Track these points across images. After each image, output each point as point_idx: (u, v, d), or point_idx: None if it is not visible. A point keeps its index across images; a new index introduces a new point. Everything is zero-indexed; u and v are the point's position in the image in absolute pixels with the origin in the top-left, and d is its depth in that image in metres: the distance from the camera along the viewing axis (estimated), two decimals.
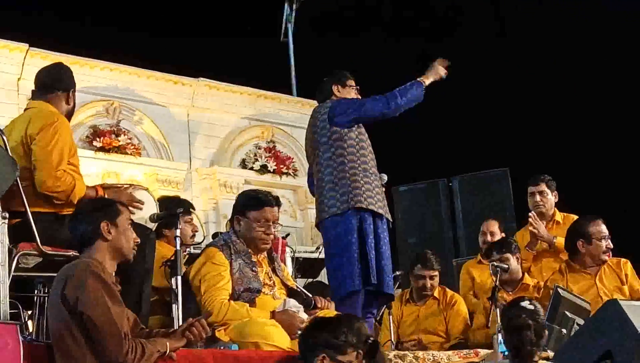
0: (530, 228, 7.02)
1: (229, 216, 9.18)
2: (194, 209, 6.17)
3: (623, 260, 6.55)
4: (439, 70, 6.12)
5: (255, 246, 5.07)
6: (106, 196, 4.76)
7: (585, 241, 6.42)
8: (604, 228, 6.47)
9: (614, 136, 18.52)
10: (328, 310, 5.09)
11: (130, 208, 4.70)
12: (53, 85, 4.94)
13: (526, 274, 6.74)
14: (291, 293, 5.11)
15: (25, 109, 5.05)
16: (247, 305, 4.74)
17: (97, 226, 4.01)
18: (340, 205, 5.84)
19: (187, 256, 5.89)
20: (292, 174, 16.52)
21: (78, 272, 3.83)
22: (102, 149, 14.35)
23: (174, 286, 4.76)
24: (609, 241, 6.46)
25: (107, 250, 4.02)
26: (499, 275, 6.20)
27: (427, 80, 6.05)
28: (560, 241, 6.89)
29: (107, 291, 3.80)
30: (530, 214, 7.10)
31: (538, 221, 7.01)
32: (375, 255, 5.77)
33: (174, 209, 5.02)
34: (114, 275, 4.05)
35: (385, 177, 6.33)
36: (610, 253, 6.52)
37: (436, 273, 7.15)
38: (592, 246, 6.40)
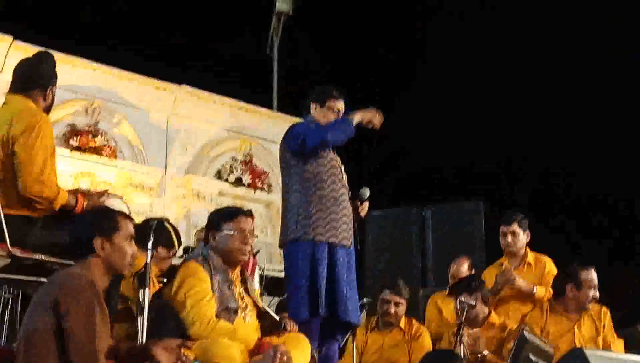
0: (503, 279, 6.95)
1: (199, 227, 9.17)
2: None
3: (604, 308, 6.53)
4: (372, 113, 6.05)
5: (233, 258, 5.02)
6: (86, 206, 4.71)
7: (575, 287, 6.41)
8: (595, 277, 6.45)
9: (590, 174, 18.65)
10: (297, 333, 5.06)
11: None
12: (32, 81, 4.85)
13: (493, 312, 6.70)
14: (260, 315, 5.09)
15: (3, 103, 4.98)
16: (234, 327, 4.69)
17: (91, 241, 3.97)
18: (289, 234, 5.84)
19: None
20: (266, 189, 16.49)
21: (77, 285, 3.77)
22: (77, 148, 14.24)
23: (141, 299, 4.72)
24: (597, 291, 6.43)
25: (100, 264, 3.98)
26: (465, 312, 6.20)
27: (355, 118, 5.97)
28: (540, 292, 6.83)
29: (100, 311, 3.76)
30: (507, 270, 7.01)
31: (514, 275, 6.94)
32: (328, 282, 5.72)
33: (147, 222, 4.99)
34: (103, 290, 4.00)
35: (367, 192, 6.24)
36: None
37: (402, 301, 7.13)
38: (580, 293, 6.39)
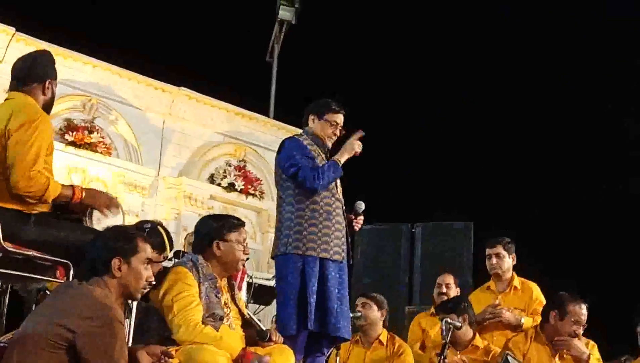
0: (491, 314, 6.96)
1: (190, 230, 9.18)
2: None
3: (591, 342, 6.47)
4: (354, 146, 6.07)
5: (233, 268, 5.11)
6: (85, 197, 4.72)
7: (559, 315, 6.32)
8: (583, 313, 6.34)
9: (582, 200, 18.70)
10: (282, 345, 5.07)
11: (101, 215, 4.72)
12: (28, 76, 4.82)
13: (477, 335, 6.71)
14: (245, 324, 5.10)
15: (5, 99, 4.98)
16: (220, 334, 4.70)
17: (109, 261, 3.96)
18: (281, 247, 5.85)
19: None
20: (258, 196, 16.49)
21: (106, 318, 3.73)
22: (72, 143, 14.25)
23: (129, 301, 4.73)
24: (581, 329, 6.34)
25: (115, 285, 3.96)
26: (450, 333, 6.21)
27: (342, 158, 6.01)
28: (527, 322, 6.82)
29: (121, 339, 3.76)
30: (498, 308, 7.01)
31: (502, 310, 6.94)
32: (318, 297, 5.72)
33: (140, 225, 5.02)
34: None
35: (362, 205, 6.22)
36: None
37: (371, 304, 7.17)
38: (562, 323, 6.30)
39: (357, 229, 6.29)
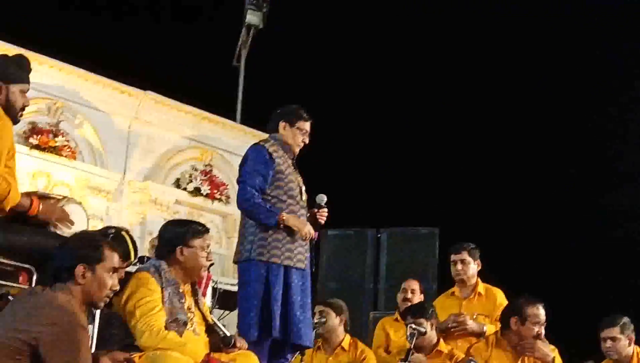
0: (454, 323, 6.98)
1: (154, 235, 9.14)
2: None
3: (551, 346, 6.46)
4: (306, 230, 5.85)
5: (196, 274, 5.08)
6: (40, 211, 4.68)
7: (520, 320, 6.31)
8: (542, 314, 6.36)
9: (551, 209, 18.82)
10: (247, 351, 5.07)
11: (60, 225, 4.69)
12: None
13: (442, 340, 6.73)
14: (209, 329, 5.09)
15: None
16: (184, 340, 4.69)
17: (73, 267, 3.93)
18: (244, 253, 5.83)
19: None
20: (224, 200, 16.47)
21: (70, 324, 3.70)
22: (37, 147, 14.16)
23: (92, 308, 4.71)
24: (543, 328, 6.36)
25: (78, 292, 3.92)
26: (415, 338, 6.22)
27: (289, 221, 5.81)
28: (490, 330, 6.84)
29: (85, 346, 3.74)
30: (461, 316, 7.03)
31: (466, 319, 6.97)
32: (283, 305, 5.72)
33: (105, 231, 4.99)
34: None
35: (324, 198, 6.13)
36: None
37: (328, 310, 7.13)
38: (524, 327, 6.29)
39: (322, 222, 6.22)
